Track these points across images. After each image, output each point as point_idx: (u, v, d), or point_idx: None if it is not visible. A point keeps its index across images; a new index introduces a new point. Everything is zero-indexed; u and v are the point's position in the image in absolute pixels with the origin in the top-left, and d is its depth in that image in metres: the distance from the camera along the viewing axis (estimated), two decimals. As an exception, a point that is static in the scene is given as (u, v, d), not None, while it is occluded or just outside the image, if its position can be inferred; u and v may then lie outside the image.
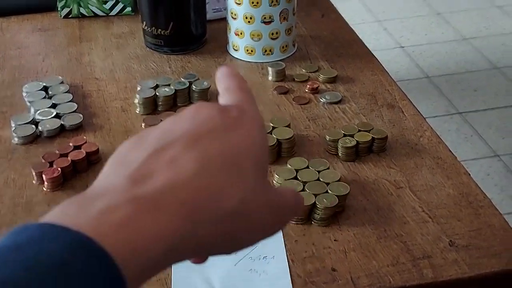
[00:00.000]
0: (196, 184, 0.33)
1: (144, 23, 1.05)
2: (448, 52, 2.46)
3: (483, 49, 2.45)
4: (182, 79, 0.94)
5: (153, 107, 0.91)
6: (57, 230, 0.28)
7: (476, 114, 2.09)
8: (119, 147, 0.36)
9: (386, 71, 1.03)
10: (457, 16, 2.72)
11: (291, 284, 0.65)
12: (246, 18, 1.01)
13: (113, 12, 1.19)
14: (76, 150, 0.80)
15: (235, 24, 1.03)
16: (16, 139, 0.85)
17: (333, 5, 1.27)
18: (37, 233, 0.28)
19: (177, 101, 0.92)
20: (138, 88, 0.93)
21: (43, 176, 0.76)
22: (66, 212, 0.30)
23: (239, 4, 1.00)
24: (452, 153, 0.85)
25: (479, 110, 2.11)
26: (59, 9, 1.17)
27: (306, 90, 0.97)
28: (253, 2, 0.99)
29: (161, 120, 0.86)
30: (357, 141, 0.83)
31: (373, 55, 1.08)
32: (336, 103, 0.94)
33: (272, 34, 1.02)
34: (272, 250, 0.69)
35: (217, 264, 0.67)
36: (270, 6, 1.00)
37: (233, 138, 0.36)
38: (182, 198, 0.32)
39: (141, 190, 0.32)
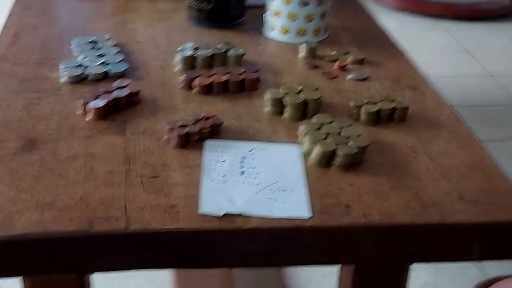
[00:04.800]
0: None
1: (189, -4, 1.13)
2: (474, 86, 2.51)
3: (509, 86, 2.50)
4: (220, 45, 1.01)
5: (192, 66, 0.98)
6: None
7: (497, 143, 2.13)
8: None
9: (411, 62, 1.09)
10: (485, 55, 2.79)
11: (308, 211, 0.70)
12: (285, -1, 1.08)
13: (159, -9, 1.27)
14: (120, 89, 0.87)
15: (274, 5, 1.10)
16: (64, 78, 0.92)
17: (365, 7, 1.34)
18: None
19: (214, 63, 0.99)
20: (180, 48, 0.99)
21: (89, 106, 0.83)
22: None
23: (279, -15, 1.08)
24: (469, 130, 0.90)
25: (501, 140, 2.15)
26: (109, -17, 1.26)
27: (335, 67, 1.03)
28: (292, -16, 1.07)
29: (199, 75, 0.93)
30: (379, 108, 0.89)
31: (399, 48, 1.14)
32: (362, 80, 1.00)
33: (307, 16, 1.09)
34: (292, 185, 0.74)
35: (240, 189, 0.72)
36: (308, -11, 1.07)
37: None
38: None
39: None
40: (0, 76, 0.94)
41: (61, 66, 0.93)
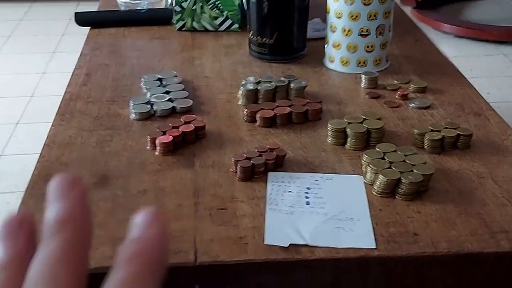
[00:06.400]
0: None
1: (251, 32, 1.16)
2: (535, 109, 2.47)
3: None
4: (282, 78, 1.03)
5: (255, 100, 1.00)
6: None
7: None
8: None
9: (474, 87, 1.09)
10: (545, 78, 2.75)
11: (374, 241, 0.70)
12: (344, 31, 1.10)
13: (222, 28, 1.31)
14: (186, 124, 0.90)
15: (333, 37, 1.12)
16: (133, 115, 0.96)
17: (425, 34, 1.34)
18: None
19: (276, 96, 1.01)
20: (243, 82, 1.02)
21: (157, 141, 0.86)
22: None
23: (339, 18, 1.10)
24: (535, 155, 0.89)
25: None
26: (174, 22, 1.31)
27: (397, 97, 1.04)
28: (352, 16, 1.08)
29: (262, 109, 0.95)
30: (443, 135, 0.89)
31: (462, 74, 1.14)
32: (424, 108, 1.00)
33: (368, 47, 1.11)
34: (358, 214, 0.75)
35: (307, 220, 0.74)
36: (368, 20, 1.08)
37: None
38: None
39: None
40: (74, 114, 0.98)
41: (131, 104, 0.97)
